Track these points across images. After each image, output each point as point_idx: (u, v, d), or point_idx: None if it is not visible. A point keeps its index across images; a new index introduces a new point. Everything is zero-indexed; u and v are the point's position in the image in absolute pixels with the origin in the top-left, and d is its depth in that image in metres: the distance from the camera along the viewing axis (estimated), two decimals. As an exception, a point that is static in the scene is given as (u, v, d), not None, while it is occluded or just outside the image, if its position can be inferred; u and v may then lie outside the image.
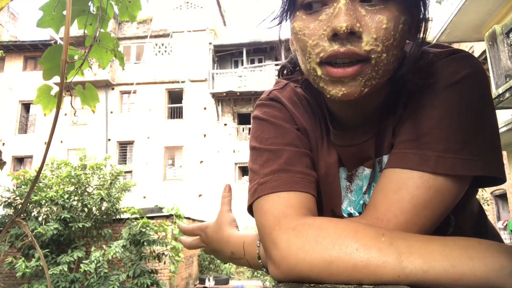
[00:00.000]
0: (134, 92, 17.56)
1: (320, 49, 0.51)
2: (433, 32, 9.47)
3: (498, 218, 14.12)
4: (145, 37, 17.97)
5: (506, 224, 13.01)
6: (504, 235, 12.93)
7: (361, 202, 0.65)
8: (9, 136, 17.74)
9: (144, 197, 15.78)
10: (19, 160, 17.82)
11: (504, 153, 8.42)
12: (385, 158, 0.61)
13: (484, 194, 12.84)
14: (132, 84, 17.37)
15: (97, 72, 16.29)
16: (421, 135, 0.53)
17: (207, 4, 18.47)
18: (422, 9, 0.56)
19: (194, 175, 16.37)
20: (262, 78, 16.56)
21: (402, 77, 0.58)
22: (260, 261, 0.65)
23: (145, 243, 7.10)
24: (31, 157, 17.43)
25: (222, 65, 18.34)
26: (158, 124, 17.24)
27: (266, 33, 16.98)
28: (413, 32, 0.57)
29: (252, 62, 17.99)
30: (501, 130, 6.86)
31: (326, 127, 0.67)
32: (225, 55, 18.14)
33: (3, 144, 17.43)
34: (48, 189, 7.62)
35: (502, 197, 13.69)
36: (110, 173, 8.35)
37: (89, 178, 8.08)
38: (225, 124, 16.99)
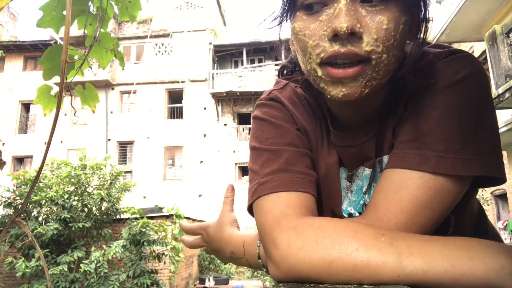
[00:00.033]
0: (134, 92, 17.56)
1: (321, 49, 0.51)
2: (433, 32, 9.47)
3: (498, 218, 14.12)
4: (145, 37, 17.98)
5: (506, 224, 13.01)
6: (504, 235, 12.92)
7: (361, 202, 0.65)
8: (9, 136, 17.74)
9: (144, 197, 15.78)
10: (19, 160, 17.82)
11: (504, 153, 8.42)
12: (386, 158, 0.61)
13: (484, 194, 12.84)
14: (132, 84, 17.37)
15: (97, 72, 16.29)
16: (422, 135, 0.53)
17: (207, 4, 18.47)
18: (423, 9, 0.56)
19: (194, 175, 16.37)
20: (262, 78, 16.56)
21: (402, 78, 0.58)
22: (260, 261, 0.65)
23: (145, 243, 7.10)
24: (31, 157, 17.43)
25: (222, 65, 18.34)
26: (158, 124, 17.24)
27: (266, 33, 16.98)
28: (414, 32, 0.56)
29: (252, 62, 17.99)
30: (501, 130, 6.86)
31: (326, 128, 0.67)
32: (225, 55, 18.14)
33: (3, 144, 17.43)
34: (48, 189, 7.62)
35: (502, 197, 13.69)
36: (110, 173, 8.36)
37: (89, 178, 8.08)
38: (225, 124, 16.99)
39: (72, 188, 7.85)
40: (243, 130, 16.75)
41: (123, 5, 1.25)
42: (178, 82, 17.47)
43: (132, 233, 7.11)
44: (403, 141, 0.55)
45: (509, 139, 7.27)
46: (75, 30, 1.29)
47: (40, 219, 7.73)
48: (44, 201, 7.45)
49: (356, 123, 0.63)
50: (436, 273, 0.44)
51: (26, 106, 18.33)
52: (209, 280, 9.89)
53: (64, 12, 1.14)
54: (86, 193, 7.96)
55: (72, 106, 1.39)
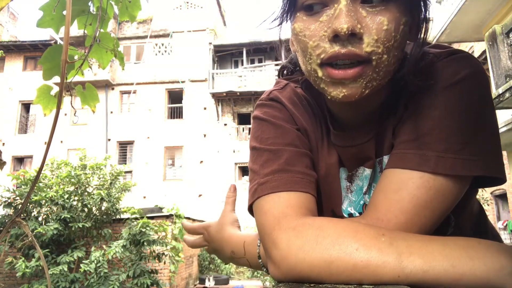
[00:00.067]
0: (134, 92, 17.56)
1: (321, 50, 0.51)
2: (433, 32, 9.47)
3: (498, 218, 14.12)
4: (145, 37, 17.98)
5: (506, 224, 13.01)
6: (504, 235, 12.92)
7: (362, 202, 0.65)
8: (9, 136, 17.74)
9: (144, 197, 15.79)
10: (19, 160, 17.82)
11: (504, 153, 8.42)
12: (386, 159, 0.61)
13: (484, 194, 12.84)
14: (132, 84, 17.37)
15: (97, 72, 16.29)
16: (421, 135, 0.53)
17: (207, 4, 18.47)
18: (423, 10, 0.56)
19: (194, 175, 16.37)
20: (262, 78, 16.56)
21: (402, 78, 0.58)
22: (260, 260, 0.65)
23: (145, 243, 7.10)
24: (31, 157, 17.43)
25: (222, 65, 18.34)
26: (158, 124, 17.24)
27: (266, 33, 16.97)
28: (414, 33, 0.56)
29: (252, 62, 17.99)
30: (501, 130, 6.86)
31: (326, 128, 0.67)
32: (225, 55, 18.14)
33: (3, 144, 17.43)
34: (48, 189, 7.62)
35: (502, 197, 13.69)
36: (110, 173, 8.36)
37: (89, 178, 8.08)
38: (225, 124, 16.99)
39: (72, 188, 7.85)
40: (243, 130, 16.75)
41: (123, 5, 1.25)
42: (178, 82, 17.47)
43: (132, 233, 7.11)
44: (403, 141, 0.55)
45: (509, 139, 7.27)
46: (75, 30, 1.29)
47: (40, 219, 7.73)
48: (44, 201, 7.45)
49: (356, 123, 0.63)
50: (436, 273, 0.44)
51: (26, 106, 18.33)
52: (209, 280, 9.89)
53: (64, 12, 1.14)
54: (86, 193, 7.96)
55: (72, 106, 1.39)
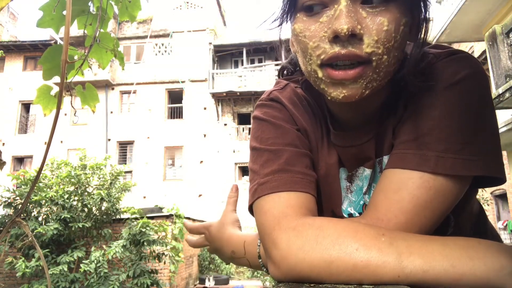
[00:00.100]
0: (134, 92, 17.56)
1: (321, 51, 0.51)
2: (433, 32, 9.47)
3: (498, 218, 14.12)
4: (145, 37, 17.98)
5: (506, 224, 13.00)
6: (504, 235, 12.92)
7: (361, 202, 0.65)
8: (9, 136, 17.74)
9: (144, 197, 15.78)
10: (19, 160, 17.82)
11: (504, 153, 8.42)
12: (385, 159, 0.61)
13: (484, 194, 12.84)
14: (132, 84, 17.37)
15: (97, 72, 16.29)
16: (421, 135, 0.53)
17: (207, 4, 18.47)
18: (423, 10, 0.56)
19: (194, 175, 16.37)
20: (262, 78, 16.56)
21: (402, 79, 0.58)
22: (260, 260, 0.66)
23: (145, 243, 7.10)
24: (31, 157, 17.43)
25: (222, 65, 18.34)
26: (158, 124, 17.24)
27: (266, 33, 16.94)
28: (414, 33, 0.56)
29: (252, 62, 17.99)
30: (501, 130, 6.86)
31: (326, 128, 0.67)
32: (225, 55, 18.14)
33: (3, 144, 17.42)
34: (48, 189, 7.62)
35: (502, 197, 13.69)
36: (110, 173, 8.36)
37: (89, 178, 8.08)
38: (225, 124, 16.99)
39: (72, 188, 7.85)
40: (243, 130, 16.75)
41: (123, 5, 1.25)
42: (178, 82, 17.47)
43: (132, 233, 7.11)
44: (403, 141, 0.55)
45: (509, 139, 7.27)
46: (75, 30, 1.29)
47: (40, 219, 7.73)
48: (44, 201, 7.45)
49: (356, 124, 0.63)
50: (436, 273, 0.44)
51: (26, 106, 18.33)
52: (209, 280, 9.89)
53: (64, 12, 1.14)
54: (86, 193, 7.96)
55: (72, 106, 1.39)
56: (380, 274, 0.45)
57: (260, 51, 17.82)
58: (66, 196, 7.55)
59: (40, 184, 7.64)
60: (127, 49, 18.23)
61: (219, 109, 17.11)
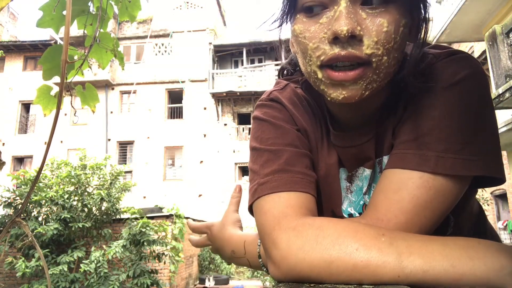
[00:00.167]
0: (134, 92, 17.56)
1: (321, 52, 0.51)
2: (433, 32, 9.47)
3: (498, 218, 14.11)
4: (145, 37, 17.98)
5: (506, 224, 13.00)
6: (504, 235, 12.93)
7: (361, 202, 0.65)
8: (9, 136, 17.74)
9: (144, 197, 15.78)
10: (19, 160, 17.82)
11: (504, 153, 8.42)
12: (385, 159, 0.61)
13: (484, 194, 12.84)
14: (132, 84, 17.37)
15: (97, 72, 16.29)
16: (421, 135, 0.53)
17: (207, 4, 18.47)
18: (422, 11, 0.56)
19: (194, 175, 16.37)
20: (262, 78, 16.56)
21: (402, 79, 0.58)
22: (260, 260, 0.66)
23: (145, 243, 7.10)
24: (31, 157, 17.43)
25: (222, 65, 18.34)
26: (158, 124, 17.24)
27: (266, 33, 16.90)
28: (414, 34, 0.57)
29: (252, 62, 17.99)
30: (501, 130, 6.86)
31: (326, 128, 0.67)
32: (225, 55, 18.14)
33: (3, 144, 17.42)
34: (48, 189, 7.62)
35: (502, 197, 13.69)
36: (110, 173, 8.36)
37: (89, 178, 8.08)
38: (225, 124, 16.99)
39: (72, 188, 7.85)
40: (243, 130, 16.75)
41: (123, 5, 1.25)
42: (178, 82, 17.47)
43: (132, 233, 7.11)
44: (402, 142, 0.55)
45: (509, 139, 7.27)
46: (75, 30, 1.28)
47: (40, 219, 7.73)
48: (44, 201, 7.45)
49: (356, 124, 0.63)
50: (436, 273, 0.44)
51: (26, 106, 18.33)
52: (209, 280, 9.89)
53: (64, 12, 1.14)
54: (86, 193, 7.96)
55: (72, 106, 1.39)
56: (380, 274, 0.45)
57: (260, 51, 17.82)
58: (66, 196, 7.55)
59: (40, 184, 7.64)
60: (127, 49, 18.23)
61: (219, 109, 17.11)
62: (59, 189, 7.61)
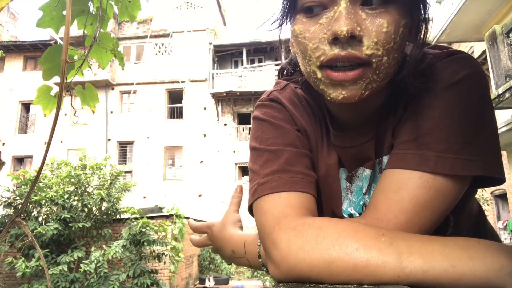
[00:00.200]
0: (134, 92, 17.56)
1: (321, 52, 0.52)
2: (433, 32, 9.47)
3: (498, 218, 14.12)
4: (145, 37, 17.98)
5: (506, 224, 13.01)
6: (504, 235, 12.93)
7: (361, 202, 0.65)
8: (9, 136, 17.74)
9: (144, 197, 15.78)
10: (19, 160, 17.82)
11: (504, 153, 8.42)
12: (385, 159, 0.61)
13: (484, 194, 12.84)
14: (132, 84, 17.37)
15: (97, 72, 16.29)
16: (421, 135, 0.53)
17: (207, 4, 18.47)
18: (422, 11, 0.56)
19: (194, 175, 16.37)
20: (262, 78, 16.56)
21: (402, 80, 0.58)
22: (260, 260, 0.66)
23: (145, 243, 7.10)
24: (31, 157, 17.43)
25: (222, 65, 18.34)
26: (158, 124, 17.24)
27: (266, 33, 16.89)
28: (413, 34, 0.57)
29: (252, 62, 17.99)
30: (501, 130, 6.86)
31: (326, 128, 0.67)
32: (225, 55, 18.14)
33: (3, 144, 17.42)
34: (48, 189, 7.62)
35: (502, 197, 13.69)
36: (110, 173, 8.36)
37: (89, 178, 8.08)
38: (225, 124, 16.99)
39: (72, 188, 7.85)
40: (243, 130, 16.75)
41: (123, 5, 1.25)
42: (178, 82, 17.47)
43: (132, 233, 7.11)
44: (402, 142, 0.55)
45: (509, 139, 7.27)
46: (75, 30, 1.28)
47: (40, 219, 7.73)
48: (44, 201, 7.45)
49: (356, 124, 0.63)
50: (436, 273, 0.44)
51: (26, 106, 18.33)
52: (209, 280, 9.89)
53: (64, 12, 1.14)
54: (86, 193, 7.96)
55: (72, 106, 1.39)
56: (380, 274, 0.45)
57: (260, 51, 17.82)
58: (66, 196, 7.55)
59: (40, 184, 7.64)
60: (127, 49, 18.23)
61: (219, 109, 17.11)
62: (59, 189, 7.61)
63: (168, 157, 17.16)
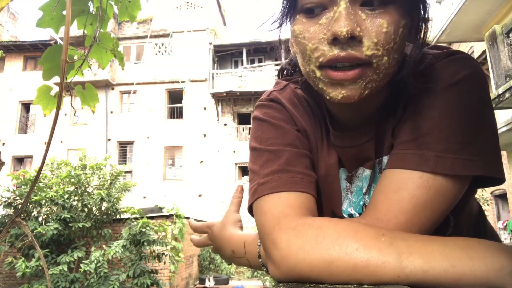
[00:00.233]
0: (134, 92, 17.56)
1: (320, 53, 0.52)
2: (433, 32, 9.47)
3: (498, 218, 14.12)
4: (145, 37, 17.98)
5: (506, 224, 13.01)
6: (504, 235, 12.93)
7: (361, 203, 0.65)
8: (9, 136, 17.74)
9: (144, 197, 15.78)
10: (19, 160, 17.82)
11: (504, 153, 8.42)
12: (385, 159, 0.61)
13: (484, 194, 12.84)
14: (132, 84, 17.37)
15: (97, 72, 16.29)
16: (421, 135, 0.53)
17: (207, 4, 18.47)
18: (422, 11, 0.56)
19: (194, 175, 16.37)
20: (262, 78, 16.57)
21: (402, 80, 0.58)
22: (260, 260, 0.66)
23: (145, 243, 7.10)
24: (31, 157, 17.43)
25: (222, 65, 18.34)
26: (158, 124, 17.24)
27: (266, 33, 16.88)
28: (413, 34, 0.57)
29: (252, 62, 17.99)
30: (501, 130, 6.85)
31: (326, 128, 0.67)
32: (225, 55, 18.14)
33: (3, 144, 17.43)
34: (48, 189, 7.62)
35: (502, 197, 13.69)
36: (110, 173, 8.36)
37: (89, 178, 8.08)
38: (225, 124, 16.99)
39: (72, 188, 7.85)
40: (243, 130, 16.75)
41: (123, 5, 1.25)
42: (178, 82, 17.47)
43: (132, 233, 7.11)
44: (402, 142, 0.55)
45: (509, 139, 7.26)
46: (75, 30, 1.29)
47: (40, 219, 7.73)
48: (44, 201, 7.46)
49: (356, 124, 0.63)
50: (436, 273, 0.44)
51: (26, 106, 18.33)
52: (209, 280, 9.89)
53: (64, 12, 1.14)
54: (86, 193, 7.96)
55: (72, 106, 1.39)
56: (380, 274, 0.45)
57: (260, 51, 17.82)
58: (66, 196, 7.56)
59: (40, 184, 7.64)
60: (127, 49, 18.23)
61: (219, 109, 17.11)
62: (59, 189, 7.61)
63: (168, 157, 17.16)
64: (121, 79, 17.76)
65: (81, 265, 6.75)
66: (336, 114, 0.65)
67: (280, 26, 0.60)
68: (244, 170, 16.38)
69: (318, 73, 0.53)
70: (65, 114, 16.71)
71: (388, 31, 0.50)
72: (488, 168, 0.52)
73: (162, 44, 18.20)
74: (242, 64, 17.61)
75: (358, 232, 0.48)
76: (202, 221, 0.93)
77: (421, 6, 0.55)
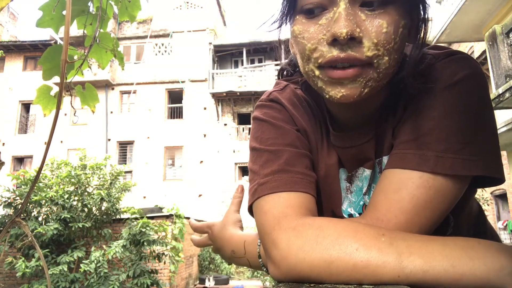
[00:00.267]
0: (134, 92, 17.56)
1: (319, 54, 0.52)
2: (433, 32, 9.47)
3: (498, 218, 14.12)
4: (145, 37, 17.98)
5: (506, 224, 13.01)
6: (504, 235, 12.93)
7: (361, 203, 0.66)
8: (9, 136, 17.74)
9: (144, 197, 15.79)
10: (19, 160, 17.82)
11: (504, 153, 8.42)
12: (385, 159, 0.61)
13: (484, 194, 12.84)
14: (132, 84, 17.37)
15: (97, 72, 16.29)
16: (421, 135, 0.53)
17: (207, 4, 18.47)
18: (422, 12, 0.56)
19: (194, 175, 16.37)
20: (262, 78, 16.57)
21: (401, 80, 0.58)
22: (260, 260, 0.66)
23: (145, 243, 7.10)
24: (31, 157, 17.43)
25: (222, 65, 18.34)
26: (158, 124, 17.24)
27: (266, 33, 16.87)
28: (413, 35, 0.57)
29: (252, 62, 17.99)
30: (501, 130, 6.85)
31: (326, 129, 0.67)
32: (225, 55, 18.14)
33: (3, 144, 17.43)
34: (48, 189, 7.62)
35: (502, 197, 13.69)
36: (110, 173, 8.36)
37: (89, 178, 8.08)
38: (225, 124, 16.99)
39: (72, 188, 7.85)
40: (243, 130, 16.75)
41: (123, 5, 1.25)
42: (178, 82, 17.47)
43: (132, 233, 7.11)
44: (402, 142, 0.56)
45: (509, 139, 7.26)
46: (75, 30, 1.29)
47: (40, 219, 7.73)
48: (44, 201, 7.46)
49: (356, 124, 0.63)
50: (436, 273, 0.44)
51: (26, 106, 18.33)
52: (209, 280, 9.89)
53: (64, 12, 1.14)
54: (86, 193, 7.96)
55: (72, 106, 1.39)
56: (380, 274, 0.45)
57: (260, 51, 17.82)
58: (66, 196, 7.56)
59: (40, 184, 7.64)
60: (127, 49, 18.23)
61: (219, 109, 17.11)
62: (59, 189, 7.61)
63: (168, 157, 17.16)
64: (121, 79, 17.76)
65: (81, 265, 6.75)
66: (336, 114, 0.65)
67: (280, 26, 0.60)
68: (244, 170, 16.38)
69: (317, 72, 0.53)
70: (65, 114, 16.72)
71: (388, 31, 0.50)
72: (488, 168, 0.52)
73: (162, 44, 18.20)
74: (242, 64, 17.61)
75: (358, 232, 0.48)
76: (202, 221, 0.93)
77: (420, 6, 0.55)
